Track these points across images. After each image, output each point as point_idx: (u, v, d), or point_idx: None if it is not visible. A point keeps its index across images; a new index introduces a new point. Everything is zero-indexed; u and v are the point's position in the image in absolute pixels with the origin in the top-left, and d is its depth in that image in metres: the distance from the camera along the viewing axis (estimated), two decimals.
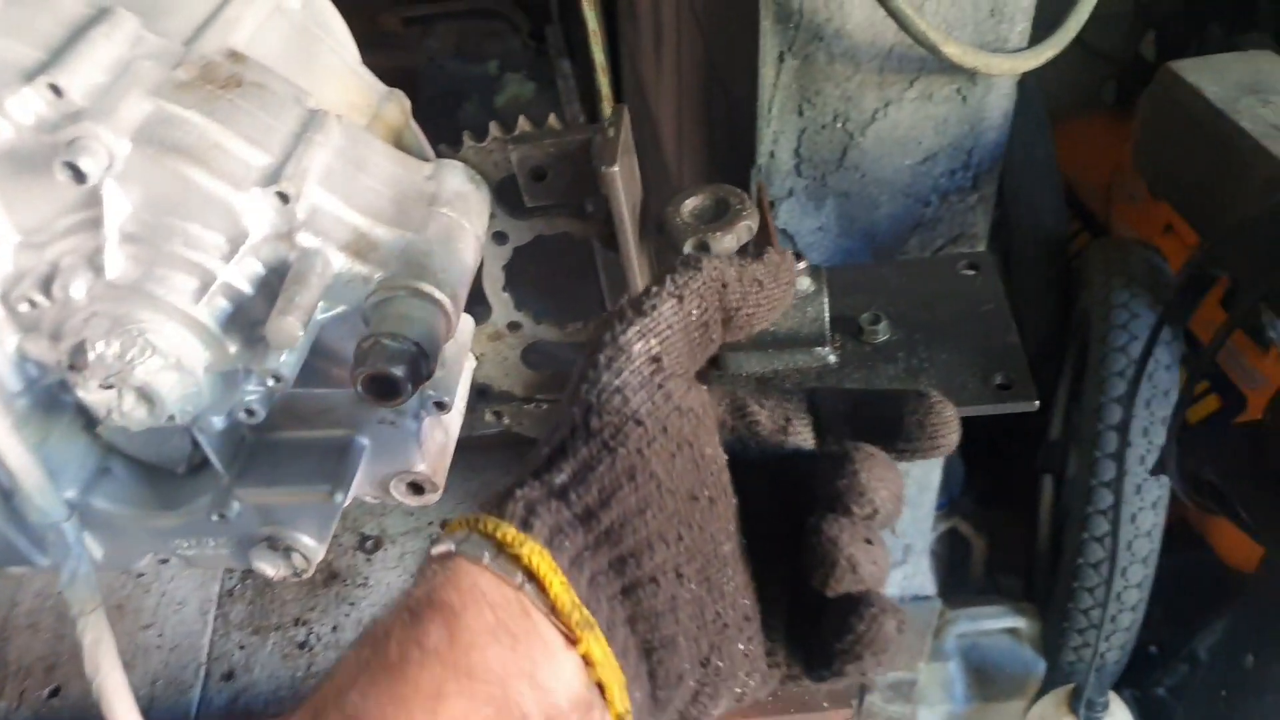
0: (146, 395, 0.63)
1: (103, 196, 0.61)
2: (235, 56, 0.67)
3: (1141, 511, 1.64)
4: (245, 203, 0.63)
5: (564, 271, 1.42)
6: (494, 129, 0.77)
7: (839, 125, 1.18)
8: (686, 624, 0.52)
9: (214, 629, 1.53)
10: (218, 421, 0.70)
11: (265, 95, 0.66)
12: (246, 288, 0.65)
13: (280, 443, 0.76)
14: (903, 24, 1.02)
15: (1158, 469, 1.52)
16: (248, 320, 0.65)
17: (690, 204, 0.73)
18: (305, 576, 0.79)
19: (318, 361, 0.71)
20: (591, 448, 0.50)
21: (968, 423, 0.60)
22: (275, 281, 0.64)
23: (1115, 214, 2.24)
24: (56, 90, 0.59)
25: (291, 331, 0.60)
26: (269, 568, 0.79)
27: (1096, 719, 1.67)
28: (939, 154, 1.22)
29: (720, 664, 0.53)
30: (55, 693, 1.46)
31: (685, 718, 0.54)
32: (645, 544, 0.50)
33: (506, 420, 0.95)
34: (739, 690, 0.55)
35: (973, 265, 0.81)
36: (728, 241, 0.69)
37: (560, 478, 0.50)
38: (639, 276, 0.82)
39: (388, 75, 0.81)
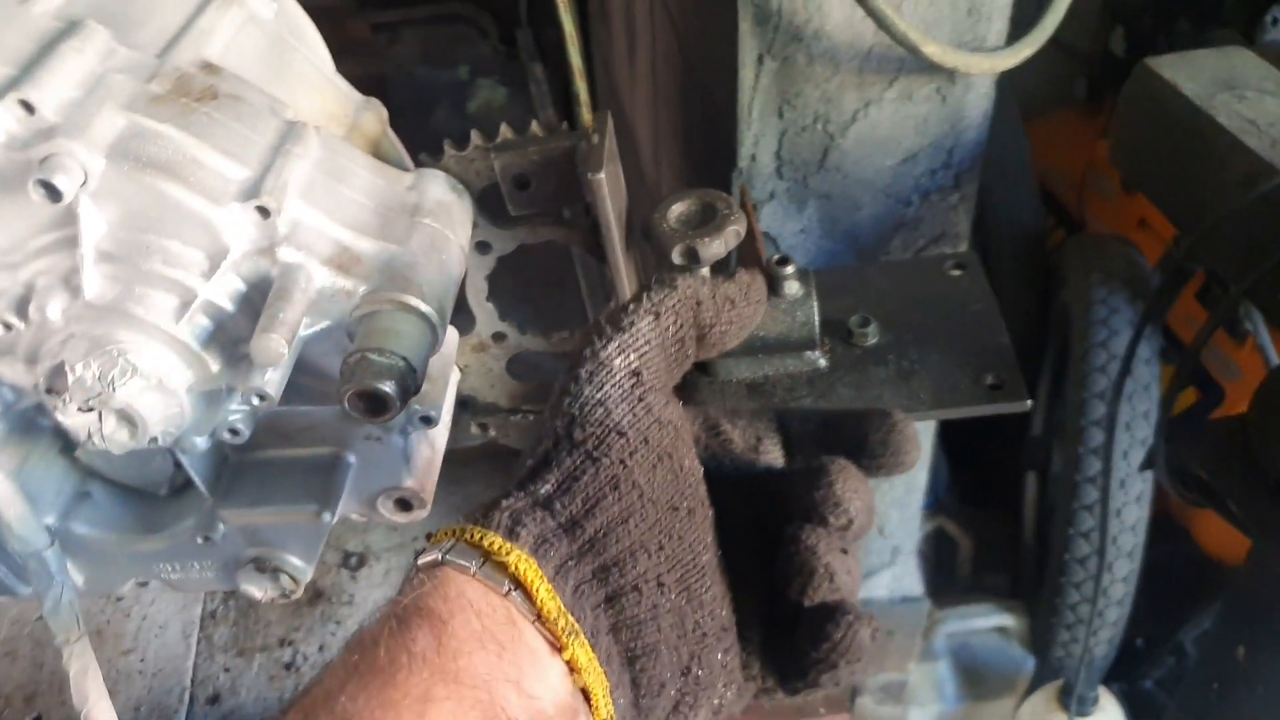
0: (128, 417, 0.61)
1: (78, 215, 0.59)
2: (210, 68, 0.66)
3: (1127, 506, 1.66)
4: (225, 218, 0.61)
5: (546, 280, 1.41)
6: (476, 137, 0.76)
7: (819, 127, 1.18)
8: (668, 632, 0.52)
9: (198, 652, 1.50)
10: (201, 442, 0.68)
11: (241, 107, 0.65)
12: (228, 305, 0.63)
13: (265, 462, 0.75)
14: (882, 24, 1.01)
15: (1146, 464, 1.53)
16: (230, 338, 0.64)
17: (676, 210, 0.72)
18: (294, 598, 0.78)
19: (302, 378, 0.69)
20: (575, 458, 0.51)
21: (951, 421, 0.60)
22: (257, 298, 0.63)
23: (1089, 209, 2.26)
24: (28, 106, 0.57)
25: (276, 349, 0.59)
26: (256, 590, 0.78)
27: (1087, 713, 1.68)
28: (920, 154, 1.22)
29: (700, 673, 0.54)
30: None
31: None
32: (628, 553, 0.51)
33: (492, 432, 0.94)
34: (717, 701, 0.56)
35: (960, 265, 0.81)
36: (716, 247, 0.67)
37: (545, 488, 0.51)
38: (626, 284, 0.81)
39: (358, 83, 0.80)
